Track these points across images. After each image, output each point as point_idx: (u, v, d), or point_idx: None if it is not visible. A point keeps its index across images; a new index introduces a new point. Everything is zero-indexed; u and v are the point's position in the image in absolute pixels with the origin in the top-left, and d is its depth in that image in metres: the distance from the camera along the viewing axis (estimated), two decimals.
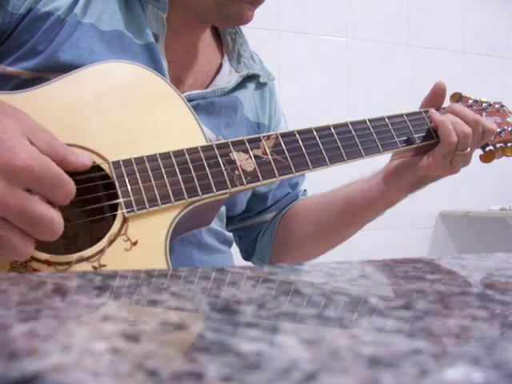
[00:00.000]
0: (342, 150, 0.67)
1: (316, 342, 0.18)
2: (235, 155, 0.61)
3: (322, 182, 0.91)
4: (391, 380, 0.14)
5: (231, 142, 0.62)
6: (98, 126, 0.58)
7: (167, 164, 0.58)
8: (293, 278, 0.34)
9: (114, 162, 0.56)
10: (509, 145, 0.82)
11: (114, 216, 0.54)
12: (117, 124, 0.59)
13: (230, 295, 0.27)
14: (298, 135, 0.66)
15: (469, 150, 0.73)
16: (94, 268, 0.51)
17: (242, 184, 0.60)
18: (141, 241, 0.54)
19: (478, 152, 0.81)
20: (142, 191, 0.55)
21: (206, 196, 0.58)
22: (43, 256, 0.51)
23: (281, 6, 1.88)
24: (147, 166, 0.57)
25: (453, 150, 0.71)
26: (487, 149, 0.82)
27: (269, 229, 0.88)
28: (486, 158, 0.82)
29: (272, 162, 0.63)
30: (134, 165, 0.56)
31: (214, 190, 0.58)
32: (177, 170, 0.58)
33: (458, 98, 0.82)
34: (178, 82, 0.73)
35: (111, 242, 0.53)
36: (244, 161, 0.61)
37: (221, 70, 0.79)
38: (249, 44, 0.85)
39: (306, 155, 0.64)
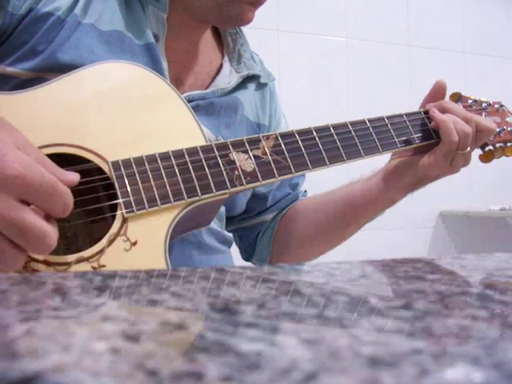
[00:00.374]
0: (342, 150, 0.67)
1: (316, 341, 0.18)
2: (235, 155, 0.61)
3: (321, 183, 0.91)
4: (391, 380, 0.14)
5: (231, 142, 0.62)
6: (98, 126, 0.58)
7: (167, 164, 0.58)
8: (293, 278, 0.34)
9: (113, 163, 0.56)
10: (508, 145, 0.82)
11: (114, 216, 0.54)
12: (116, 124, 0.59)
13: (230, 295, 0.27)
14: (297, 135, 0.66)
15: (468, 149, 0.73)
16: (94, 268, 0.51)
17: (242, 184, 0.60)
18: (140, 241, 0.54)
19: (478, 152, 0.81)
20: (142, 191, 0.55)
21: (205, 196, 0.58)
22: (43, 256, 0.51)
23: (281, 6, 1.88)
24: (147, 166, 0.57)
25: (454, 150, 0.71)
26: (487, 149, 0.82)
27: (269, 229, 0.88)
28: (486, 157, 0.82)
29: (271, 163, 0.63)
30: (134, 165, 0.56)
31: (214, 190, 0.58)
32: (176, 170, 0.58)
33: (457, 97, 0.82)
34: (178, 82, 0.73)
35: (111, 242, 0.53)
36: (243, 161, 0.61)
37: (221, 70, 0.79)
38: (249, 44, 0.85)
39: (305, 155, 0.64)
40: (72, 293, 0.27)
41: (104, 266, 0.52)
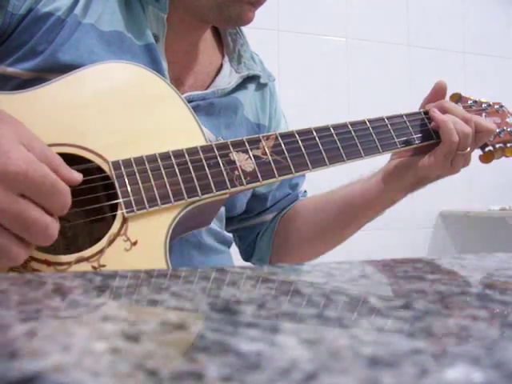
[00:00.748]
0: (342, 151, 0.67)
1: (316, 341, 0.18)
2: (235, 155, 0.61)
3: (321, 183, 0.91)
4: (391, 380, 0.14)
5: (231, 142, 0.62)
6: (98, 126, 0.58)
7: (167, 164, 0.58)
8: (293, 278, 0.34)
9: (113, 162, 0.56)
10: (508, 145, 0.82)
11: (114, 216, 0.54)
12: (117, 124, 0.59)
13: (230, 295, 0.27)
14: (297, 135, 0.66)
15: (468, 149, 0.73)
16: (94, 268, 0.51)
17: (242, 184, 0.60)
18: (140, 241, 0.54)
19: (478, 152, 0.81)
20: (142, 191, 0.55)
21: (205, 196, 0.58)
22: (43, 256, 0.51)
23: (281, 6, 1.88)
24: (147, 166, 0.57)
25: (454, 150, 0.71)
26: (487, 149, 0.82)
27: (269, 229, 0.88)
28: (486, 158, 0.82)
29: (271, 163, 0.63)
30: (134, 165, 0.56)
31: (214, 190, 0.58)
32: (176, 170, 0.58)
33: (457, 98, 0.82)
34: (178, 82, 0.73)
35: (111, 242, 0.53)
36: (243, 161, 0.61)
37: (221, 70, 0.79)
38: (249, 44, 0.85)
39: (305, 155, 0.65)
40: (72, 293, 0.27)
41: (104, 265, 0.52)
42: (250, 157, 0.62)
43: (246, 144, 0.63)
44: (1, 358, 0.15)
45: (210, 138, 0.70)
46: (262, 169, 0.62)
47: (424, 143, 0.74)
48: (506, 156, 0.82)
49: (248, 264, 0.91)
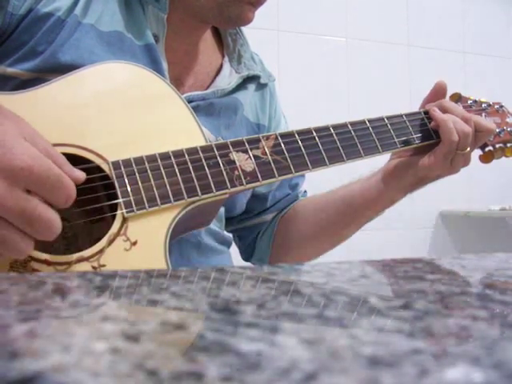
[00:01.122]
0: (342, 151, 0.67)
1: (316, 341, 0.18)
2: (235, 155, 0.61)
3: (321, 183, 0.91)
4: (391, 380, 0.14)
5: (231, 142, 0.62)
6: (98, 126, 0.58)
7: (167, 164, 0.58)
8: (293, 278, 0.34)
9: (113, 162, 0.56)
10: (508, 145, 0.82)
11: (114, 216, 0.54)
12: (116, 124, 0.59)
13: (230, 295, 0.27)
14: (297, 135, 0.66)
15: (468, 149, 0.73)
16: (94, 268, 0.51)
17: (242, 184, 0.60)
18: (140, 241, 0.54)
19: (477, 152, 0.81)
20: (142, 191, 0.55)
21: (205, 196, 0.58)
22: (43, 256, 0.51)
23: (281, 6, 1.88)
24: (147, 166, 0.57)
25: (454, 150, 0.71)
26: (486, 149, 0.82)
27: (268, 229, 0.88)
28: (486, 158, 0.82)
29: (271, 163, 0.63)
30: (134, 165, 0.56)
31: (214, 190, 0.58)
32: (176, 170, 0.58)
33: (457, 98, 0.82)
34: (178, 82, 0.73)
35: (111, 241, 0.53)
36: (243, 161, 0.61)
37: (221, 70, 0.79)
38: (249, 45, 0.85)
39: (305, 155, 0.65)
40: (72, 293, 0.27)
41: (104, 265, 0.52)
42: (249, 157, 0.62)
43: (246, 144, 0.63)
44: (1, 358, 0.15)
45: (209, 138, 0.70)
46: (261, 169, 0.62)
47: (424, 143, 0.74)
48: (506, 156, 0.82)
49: (248, 264, 0.91)
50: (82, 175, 0.51)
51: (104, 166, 0.56)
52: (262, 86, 0.85)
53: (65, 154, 0.55)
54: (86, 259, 0.52)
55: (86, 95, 0.60)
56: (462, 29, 2.23)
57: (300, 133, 0.66)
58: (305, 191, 0.93)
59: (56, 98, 0.58)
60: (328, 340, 0.19)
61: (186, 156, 0.59)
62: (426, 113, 0.76)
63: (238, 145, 0.62)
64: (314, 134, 0.67)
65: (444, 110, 0.74)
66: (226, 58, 0.81)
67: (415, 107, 0.79)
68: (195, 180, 0.58)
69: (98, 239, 0.53)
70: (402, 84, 2.07)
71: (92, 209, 0.56)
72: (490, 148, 0.82)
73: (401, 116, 0.74)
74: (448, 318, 0.23)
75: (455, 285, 0.30)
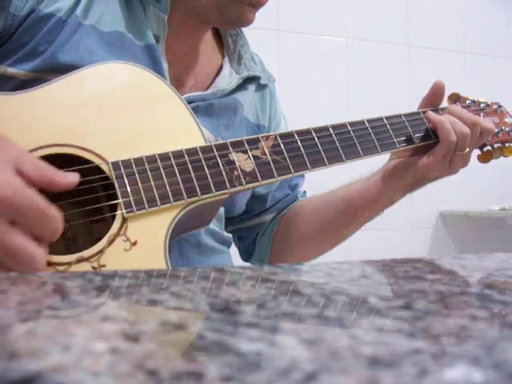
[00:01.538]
0: (341, 151, 0.67)
1: (316, 341, 0.18)
2: (234, 156, 0.61)
3: (321, 183, 0.91)
4: (391, 380, 0.14)
5: (230, 142, 0.62)
6: (98, 126, 0.58)
7: (166, 164, 0.58)
8: (293, 278, 0.34)
9: (113, 163, 0.56)
10: (506, 145, 0.82)
11: (114, 216, 0.54)
12: (116, 125, 0.59)
13: (230, 295, 0.27)
14: (296, 136, 0.66)
15: (467, 150, 0.73)
16: (94, 268, 0.51)
17: (241, 184, 0.60)
18: (140, 241, 0.54)
19: (476, 152, 0.81)
20: (142, 191, 0.55)
21: (205, 196, 0.58)
22: None
23: (281, 6, 1.88)
24: (146, 166, 0.57)
25: (452, 150, 0.72)
26: (485, 149, 0.82)
27: (268, 229, 0.88)
28: (484, 158, 0.82)
29: (271, 163, 0.63)
30: (134, 165, 0.56)
31: (213, 190, 0.58)
32: (176, 170, 0.58)
33: (455, 98, 0.82)
34: (178, 83, 0.73)
35: (111, 242, 0.53)
36: (243, 161, 0.61)
37: (221, 71, 0.79)
38: (250, 45, 0.85)
39: (304, 155, 0.65)
40: (72, 293, 0.27)
41: (104, 265, 0.52)
42: (249, 157, 0.62)
43: (246, 144, 0.63)
44: (1, 358, 0.15)
45: (209, 138, 0.70)
46: (261, 169, 0.62)
47: (423, 143, 0.74)
48: (505, 156, 0.82)
49: (248, 264, 0.90)
50: (75, 178, 0.50)
51: (104, 167, 0.56)
52: (262, 87, 0.85)
53: (64, 155, 0.55)
54: (86, 259, 0.52)
55: (86, 95, 0.60)
56: (462, 29, 2.23)
57: (299, 133, 0.66)
58: (304, 191, 0.93)
59: (55, 98, 0.58)
60: (328, 340, 0.19)
61: (186, 156, 0.59)
62: (425, 113, 0.76)
63: (238, 145, 0.62)
64: (314, 134, 0.67)
65: (451, 115, 0.74)
66: (227, 59, 0.81)
67: (415, 107, 0.79)
68: (195, 180, 0.58)
69: (98, 239, 0.53)
70: (402, 84, 2.07)
71: (92, 209, 0.56)
72: (489, 148, 0.82)
73: (399, 116, 0.74)
74: (448, 317, 0.23)
75: (455, 285, 0.30)
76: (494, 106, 0.83)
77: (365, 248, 1.62)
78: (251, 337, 0.18)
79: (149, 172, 0.57)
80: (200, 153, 0.60)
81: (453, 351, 0.18)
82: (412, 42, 2.13)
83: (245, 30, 0.84)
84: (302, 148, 0.65)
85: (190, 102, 0.70)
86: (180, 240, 0.67)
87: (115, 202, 0.55)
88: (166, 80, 0.68)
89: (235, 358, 0.16)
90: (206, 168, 0.59)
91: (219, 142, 0.62)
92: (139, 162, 0.57)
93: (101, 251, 0.52)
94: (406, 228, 2.03)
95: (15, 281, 0.30)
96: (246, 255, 0.91)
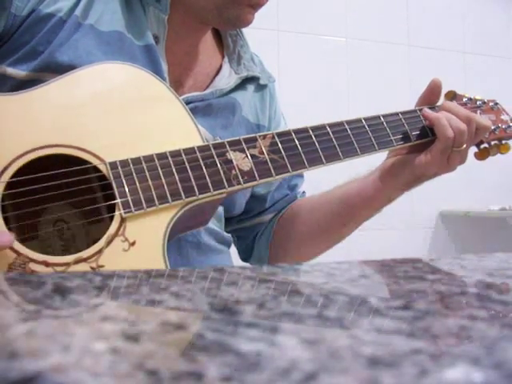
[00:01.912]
0: (338, 149, 0.67)
1: (316, 341, 0.18)
2: (232, 155, 0.61)
3: (321, 183, 0.91)
4: (391, 380, 0.14)
5: (227, 141, 0.62)
6: (95, 126, 0.58)
7: (164, 164, 0.58)
8: (292, 278, 0.34)
9: (110, 163, 0.56)
10: (503, 142, 0.82)
11: (112, 217, 0.54)
12: (114, 125, 0.59)
13: (230, 295, 0.27)
14: (293, 134, 0.66)
15: (464, 146, 0.73)
16: (92, 269, 0.51)
17: (239, 183, 0.60)
18: (139, 241, 0.54)
19: (473, 150, 0.81)
20: (140, 191, 0.55)
21: (203, 196, 0.58)
22: (41, 257, 0.51)
23: (280, 6, 1.88)
24: (144, 166, 0.57)
25: (450, 146, 0.72)
26: (482, 146, 0.82)
27: (267, 230, 0.88)
28: (481, 155, 0.82)
29: (268, 162, 0.63)
30: (131, 165, 0.56)
31: (211, 189, 0.58)
32: (174, 170, 0.58)
33: (452, 96, 0.82)
34: (177, 84, 0.73)
35: (109, 242, 0.53)
36: (241, 160, 0.61)
37: (220, 71, 0.79)
38: (249, 46, 0.85)
39: (302, 154, 0.65)
40: (72, 293, 0.27)
41: (102, 266, 0.52)
42: (246, 156, 0.62)
43: (243, 143, 0.63)
44: (1, 358, 0.15)
45: (207, 137, 0.70)
46: (259, 168, 0.62)
47: (420, 141, 0.74)
48: (501, 153, 0.82)
49: (247, 264, 0.90)
50: (9, 240, 0.49)
51: (101, 167, 0.56)
52: (261, 87, 0.85)
53: (61, 155, 0.55)
54: (85, 260, 0.52)
55: (83, 96, 0.60)
56: (462, 29, 2.23)
57: (297, 132, 0.66)
58: (303, 192, 0.93)
59: (53, 98, 0.58)
60: (328, 340, 0.19)
61: (184, 156, 0.59)
62: (422, 111, 0.76)
63: (235, 144, 0.62)
64: (311, 132, 0.67)
65: (447, 111, 0.74)
66: (226, 59, 0.81)
67: None
68: (193, 180, 0.58)
69: (97, 240, 0.53)
70: (402, 84, 2.07)
71: (90, 210, 0.56)
72: (486, 145, 0.82)
73: (396, 114, 0.74)
74: (448, 318, 0.23)
75: (455, 285, 0.30)
76: (491, 104, 0.84)
77: (364, 248, 1.62)
78: (251, 337, 0.18)
79: (146, 172, 0.56)
80: (198, 152, 0.60)
81: (453, 351, 0.18)
82: (412, 42, 2.13)
83: (245, 30, 0.84)
84: (299, 146, 0.65)
85: (188, 103, 0.69)
86: (180, 239, 0.66)
87: (113, 202, 0.55)
88: (165, 80, 0.68)
89: (235, 358, 0.16)
90: (203, 167, 0.59)
91: (217, 142, 0.62)
92: (137, 161, 0.57)
93: (99, 252, 0.52)
94: (405, 228, 2.03)
95: (15, 281, 0.30)
96: (245, 255, 0.91)
